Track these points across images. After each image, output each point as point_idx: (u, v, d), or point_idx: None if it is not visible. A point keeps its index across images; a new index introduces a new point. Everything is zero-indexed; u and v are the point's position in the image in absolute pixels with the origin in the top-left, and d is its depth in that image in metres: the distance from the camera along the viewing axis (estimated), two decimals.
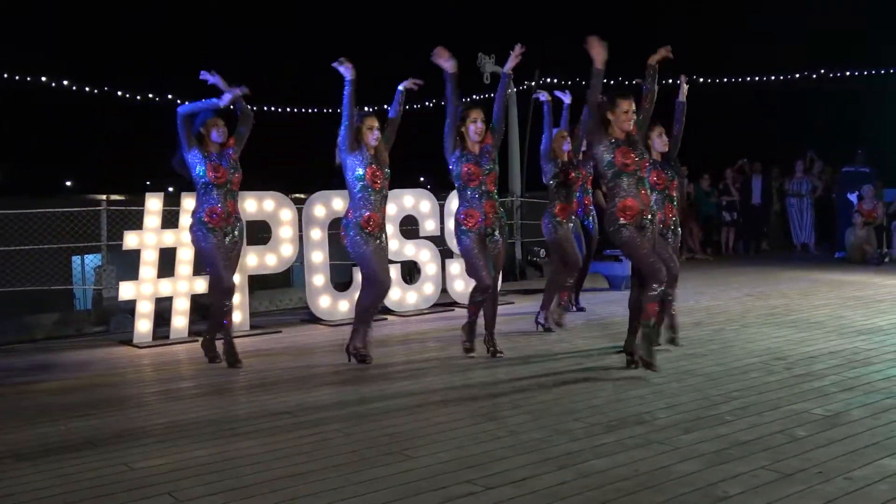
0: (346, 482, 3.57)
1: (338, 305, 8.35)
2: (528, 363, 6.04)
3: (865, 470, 3.56)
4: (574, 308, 8.38)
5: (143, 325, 7.38)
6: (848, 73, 14.51)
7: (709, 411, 4.55)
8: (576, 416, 4.53)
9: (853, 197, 13.94)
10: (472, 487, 3.46)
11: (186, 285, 7.54)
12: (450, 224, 8.48)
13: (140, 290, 7.34)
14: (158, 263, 7.43)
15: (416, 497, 3.39)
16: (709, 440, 4.02)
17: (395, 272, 8.68)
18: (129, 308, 7.68)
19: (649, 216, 5.54)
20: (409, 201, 8.86)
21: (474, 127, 6.03)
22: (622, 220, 5.45)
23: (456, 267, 9.11)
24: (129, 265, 8.02)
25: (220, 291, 6.28)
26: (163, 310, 7.60)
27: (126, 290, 7.34)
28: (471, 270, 6.19)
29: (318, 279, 8.24)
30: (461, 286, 9.02)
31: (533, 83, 13.13)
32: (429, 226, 8.96)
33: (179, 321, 7.54)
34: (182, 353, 7.02)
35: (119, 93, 11.26)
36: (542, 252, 12.61)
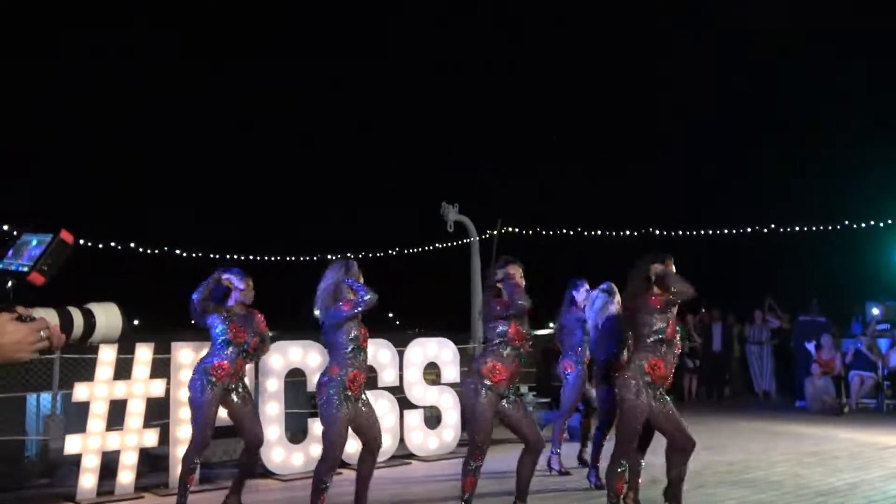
0: None
1: (291, 458, 8.17)
2: None
3: None
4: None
5: (88, 481, 7.14)
6: (797, 229, 15.04)
7: None
8: None
9: (811, 346, 14.15)
10: None
11: (135, 438, 7.36)
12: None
13: (87, 444, 7.16)
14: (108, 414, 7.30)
15: None
16: None
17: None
18: (76, 460, 7.45)
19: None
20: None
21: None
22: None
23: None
24: (82, 411, 7.83)
25: (195, 448, 6.36)
26: (110, 462, 7.40)
27: (72, 444, 7.15)
28: (475, 430, 5.67)
29: (273, 431, 8.08)
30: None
31: (495, 232, 13.41)
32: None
33: (126, 476, 7.32)
34: None
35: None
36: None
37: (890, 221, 14.71)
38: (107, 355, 7.34)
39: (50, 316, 2.25)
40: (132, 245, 10.81)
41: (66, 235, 2.33)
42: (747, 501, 6.55)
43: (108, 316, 2.38)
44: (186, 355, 7.64)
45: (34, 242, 2.32)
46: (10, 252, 2.32)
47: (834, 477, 7.56)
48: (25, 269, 2.26)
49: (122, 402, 7.45)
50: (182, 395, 7.58)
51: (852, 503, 6.49)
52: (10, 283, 2.26)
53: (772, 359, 15.58)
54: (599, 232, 12.69)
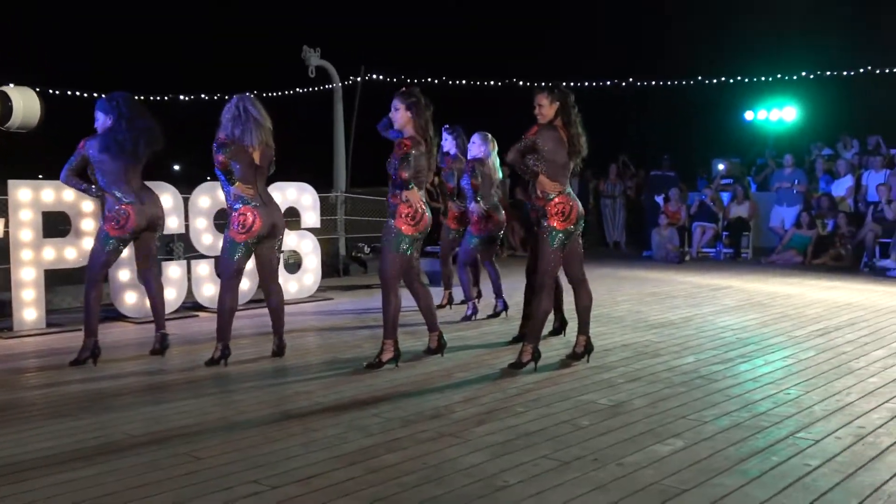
0: (126, 486, 3.43)
1: (145, 302, 7.98)
2: (337, 360, 6.04)
3: (637, 456, 3.79)
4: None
5: None
6: (653, 83, 15.46)
7: (503, 404, 4.71)
8: (374, 411, 4.57)
9: (660, 199, 14.89)
10: (258, 487, 3.41)
11: None
12: None
13: None
14: None
15: (199, 499, 3.30)
16: (498, 432, 4.16)
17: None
18: None
19: None
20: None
21: None
22: None
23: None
24: None
25: None
26: None
27: None
28: None
29: (124, 274, 7.85)
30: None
31: (359, 78, 13.13)
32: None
33: None
34: None
35: None
36: (367, 248, 12.66)
37: (739, 78, 15.35)
38: None
39: None
40: None
41: None
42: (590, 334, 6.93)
43: (25, 100, 2.16)
44: (25, 194, 7.22)
45: None
46: None
47: (670, 312, 8.12)
48: None
49: None
50: (23, 235, 7.22)
51: (684, 332, 7.01)
52: None
53: (623, 212, 16.32)
54: (464, 81, 12.62)
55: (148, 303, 6.50)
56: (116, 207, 5.89)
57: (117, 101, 5.87)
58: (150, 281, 6.30)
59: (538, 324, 5.69)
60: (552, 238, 5.56)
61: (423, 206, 5.71)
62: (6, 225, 7.22)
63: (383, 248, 5.75)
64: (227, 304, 5.90)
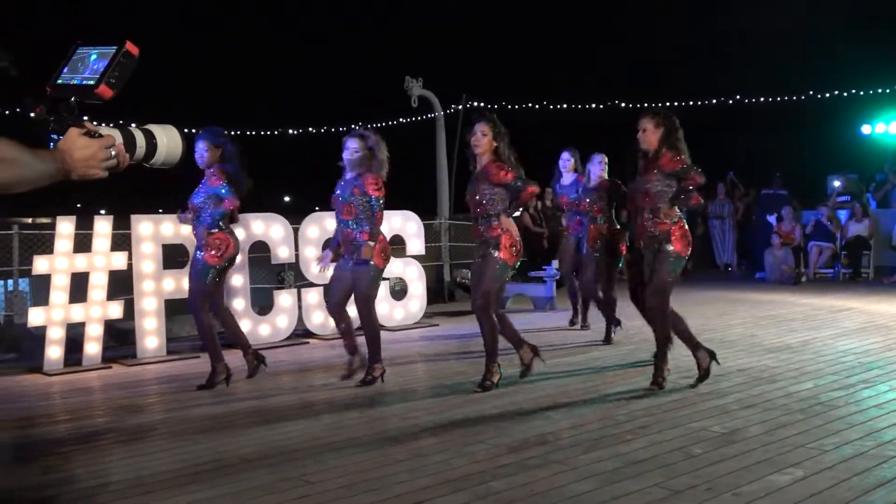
0: None
1: (258, 329, 8.26)
2: (442, 386, 6.07)
3: (753, 486, 3.65)
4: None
5: (54, 352, 7.19)
6: (762, 99, 15.01)
7: (611, 430, 4.63)
8: (480, 437, 4.56)
9: (772, 219, 14.39)
10: None
11: (100, 311, 7.38)
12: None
13: (50, 316, 7.17)
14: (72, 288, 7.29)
15: None
16: (607, 459, 4.08)
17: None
18: (41, 334, 7.48)
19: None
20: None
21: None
22: None
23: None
24: (46, 287, 7.81)
25: None
26: (76, 336, 7.45)
27: (35, 316, 7.16)
28: None
29: (239, 303, 8.13)
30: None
31: (460, 107, 13.26)
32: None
33: (92, 347, 7.37)
34: (95, 381, 6.85)
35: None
36: (471, 274, 12.72)
37: (854, 91, 14.73)
38: (65, 228, 7.26)
39: (114, 134, 2.17)
40: None
41: (131, 47, 2.17)
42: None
43: (168, 138, 2.30)
44: (146, 228, 7.59)
45: (94, 56, 2.17)
46: (66, 68, 2.18)
47: (787, 336, 7.81)
48: (91, 82, 2.12)
49: (87, 279, 7.43)
50: (145, 267, 7.58)
51: (801, 357, 6.73)
52: (73, 99, 2.13)
53: (733, 232, 15.84)
54: (565, 105, 12.59)
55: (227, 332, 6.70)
56: (215, 232, 6.12)
57: None
58: (224, 313, 6.57)
59: (661, 346, 5.78)
60: (675, 264, 5.63)
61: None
62: (129, 257, 7.58)
63: None
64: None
